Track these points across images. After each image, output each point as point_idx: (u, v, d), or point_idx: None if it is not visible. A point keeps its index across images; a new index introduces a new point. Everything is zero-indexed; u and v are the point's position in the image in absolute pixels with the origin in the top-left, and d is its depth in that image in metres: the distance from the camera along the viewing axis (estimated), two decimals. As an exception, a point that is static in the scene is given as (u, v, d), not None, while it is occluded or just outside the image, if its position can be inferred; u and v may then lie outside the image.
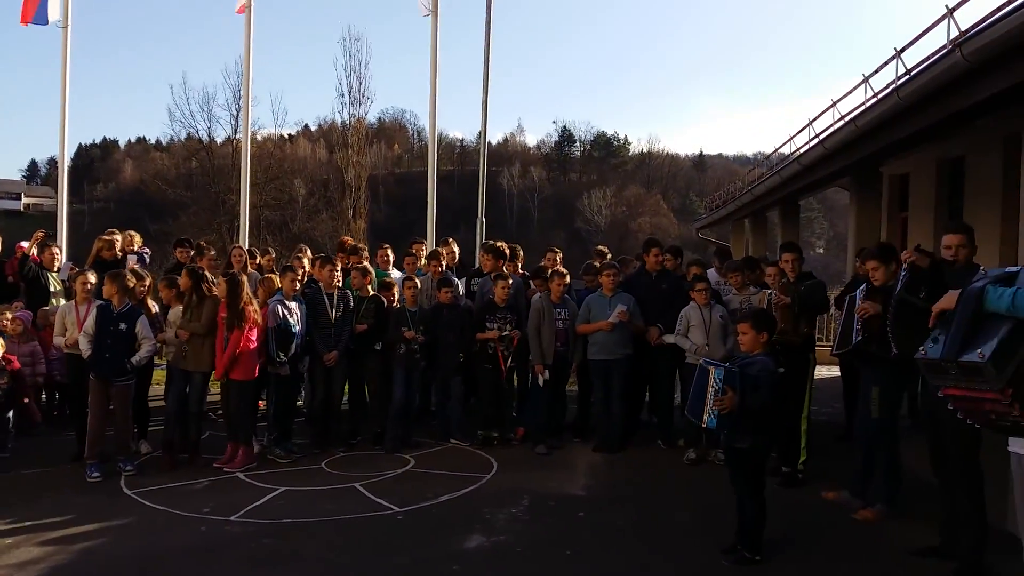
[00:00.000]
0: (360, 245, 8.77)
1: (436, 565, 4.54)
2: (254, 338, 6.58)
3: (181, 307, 6.80)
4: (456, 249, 9.15)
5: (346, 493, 5.98)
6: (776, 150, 15.48)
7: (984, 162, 10.07)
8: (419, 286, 7.70)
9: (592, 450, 7.31)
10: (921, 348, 2.70)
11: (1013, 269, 2.61)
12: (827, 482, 6.10)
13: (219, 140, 35.91)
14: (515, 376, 7.80)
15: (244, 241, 12.52)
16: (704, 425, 4.74)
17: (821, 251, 57.18)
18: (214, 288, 6.74)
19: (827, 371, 9.77)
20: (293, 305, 6.96)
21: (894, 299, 4.43)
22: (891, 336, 4.53)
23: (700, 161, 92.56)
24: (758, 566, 4.55)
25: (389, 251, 8.93)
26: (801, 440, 6.32)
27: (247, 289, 6.67)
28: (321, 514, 5.45)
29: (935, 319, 2.59)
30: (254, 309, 6.61)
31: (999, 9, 5.23)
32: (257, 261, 8.77)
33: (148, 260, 9.42)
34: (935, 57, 6.39)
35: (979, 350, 2.47)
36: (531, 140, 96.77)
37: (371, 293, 7.55)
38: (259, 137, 36.52)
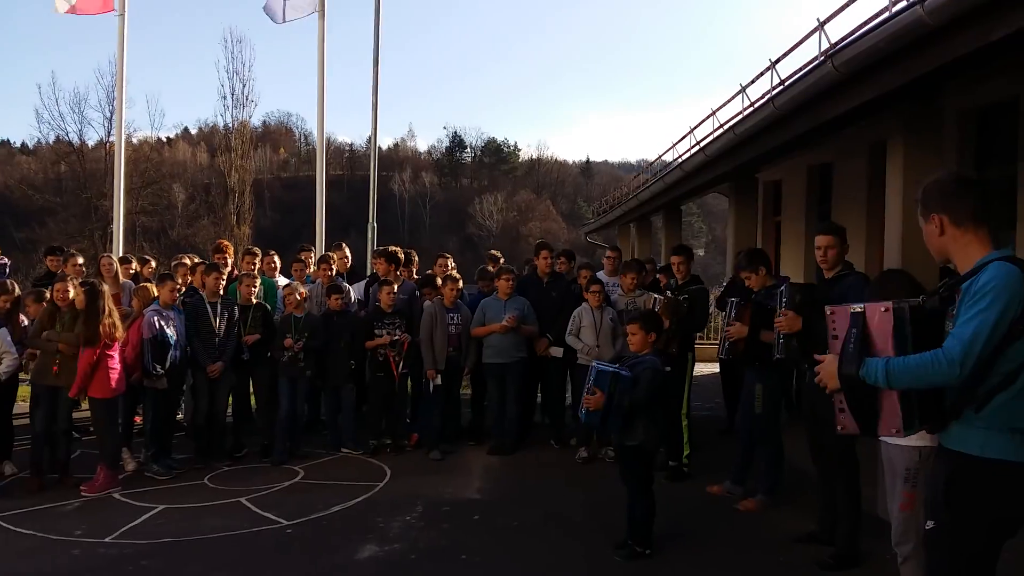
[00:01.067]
0: (223, 243, 8.39)
1: (328, 577, 4.42)
2: (114, 353, 6.20)
3: (46, 319, 6.34)
4: (348, 254, 8.99)
5: (231, 508, 5.74)
6: (659, 157, 16.00)
7: (851, 168, 10.71)
8: (304, 293, 7.50)
9: (487, 453, 7.32)
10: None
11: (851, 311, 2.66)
12: (712, 475, 6.34)
13: (91, 143, 34.07)
14: (408, 382, 7.72)
15: (118, 249, 11.84)
16: (579, 416, 4.94)
17: (702, 253, 59.37)
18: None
19: (707, 368, 10.16)
20: (171, 315, 6.64)
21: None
22: (778, 343, 4.78)
23: (587, 167, 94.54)
24: (648, 559, 4.67)
25: (275, 258, 8.65)
26: (683, 435, 6.53)
27: (108, 301, 6.26)
28: (205, 531, 5.21)
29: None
30: (112, 323, 6.16)
31: (867, 22, 5.55)
32: (132, 269, 8.31)
33: (8, 270, 8.80)
34: (808, 68, 6.72)
35: (892, 427, 2.58)
36: (422, 145, 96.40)
37: (256, 302, 7.29)
38: (134, 140, 34.80)
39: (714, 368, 9.41)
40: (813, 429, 4.83)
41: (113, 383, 6.19)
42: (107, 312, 6.13)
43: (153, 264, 8.89)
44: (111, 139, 28.71)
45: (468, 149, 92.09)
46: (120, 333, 6.24)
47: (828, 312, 2.71)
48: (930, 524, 2.55)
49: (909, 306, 2.56)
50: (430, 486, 6.27)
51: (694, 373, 6.86)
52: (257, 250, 8.52)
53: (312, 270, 8.54)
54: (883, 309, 2.53)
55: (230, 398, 7.25)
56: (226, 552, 4.83)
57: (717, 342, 5.91)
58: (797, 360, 5.08)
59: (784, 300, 4.74)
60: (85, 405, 7.13)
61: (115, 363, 6.19)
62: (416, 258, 8.55)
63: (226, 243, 8.39)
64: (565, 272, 8.07)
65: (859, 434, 2.68)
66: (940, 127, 5.71)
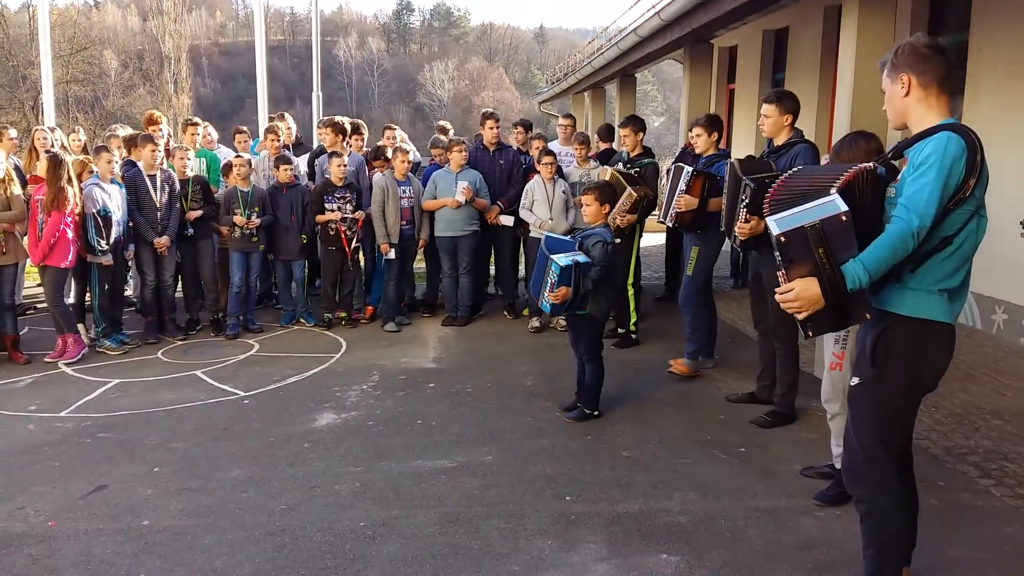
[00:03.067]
0: (154, 115, 8.02)
1: (287, 445, 4.54)
2: (71, 224, 6.06)
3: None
4: (293, 125, 8.70)
5: (187, 381, 5.79)
6: (614, 22, 15.56)
7: (806, 33, 10.58)
8: (252, 165, 7.29)
9: (441, 324, 7.43)
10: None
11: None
12: (657, 342, 6.57)
13: (13, 8, 31.68)
14: (361, 255, 7.68)
15: (50, 120, 11.27)
16: (539, 307, 4.97)
17: (658, 124, 58.93)
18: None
19: (652, 238, 10.29)
20: (112, 189, 6.42)
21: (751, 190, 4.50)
22: (724, 220, 4.73)
23: (541, 34, 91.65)
24: (596, 420, 4.88)
25: (211, 129, 8.32)
26: (630, 304, 6.69)
27: (70, 170, 6.10)
28: (161, 404, 5.27)
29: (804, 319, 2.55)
30: (75, 192, 6.07)
31: None
32: (54, 142, 7.83)
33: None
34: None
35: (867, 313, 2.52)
36: (368, 9, 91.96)
37: (192, 175, 7.05)
38: (59, 3, 32.48)
39: (659, 239, 9.55)
40: (756, 293, 4.98)
41: (70, 254, 6.11)
42: (69, 180, 6.05)
43: (82, 136, 8.46)
44: (34, 3, 26.75)
45: (416, 12, 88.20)
46: (78, 202, 6.09)
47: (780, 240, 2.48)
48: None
49: (868, 174, 2.50)
50: (386, 357, 6.38)
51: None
52: (198, 120, 8.21)
53: (261, 141, 8.26)
54: (843, 217, 2.41)
55: (178, 273, 7.16)
56: (184, 423, 4.91)
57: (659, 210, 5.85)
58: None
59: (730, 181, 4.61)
60: (34, 280, 7.01)
61: (71, 234, 6.07)
62: (365, 129, 8.32)
63: (158, 114, 8.01)
64: (523, 143, 7.95)
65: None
66: (896, -10, 5.64)
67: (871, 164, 2.59)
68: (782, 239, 2.44)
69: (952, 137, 2.44)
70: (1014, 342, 6.53)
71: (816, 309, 2.46)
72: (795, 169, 3.13)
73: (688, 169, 5.43)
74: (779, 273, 2.50)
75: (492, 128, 7.61)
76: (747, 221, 4.35)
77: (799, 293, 2.45)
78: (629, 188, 6.24)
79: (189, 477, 4.11)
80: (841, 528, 3.48)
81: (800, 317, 2.50)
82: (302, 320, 7.42)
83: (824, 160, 4.52)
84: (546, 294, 4.64)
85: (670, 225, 5.57)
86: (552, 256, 4.60)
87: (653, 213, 6.49)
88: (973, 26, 7.24)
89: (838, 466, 3.76)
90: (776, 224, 2.47)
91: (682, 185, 5.39)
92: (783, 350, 4.84)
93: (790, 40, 11.27)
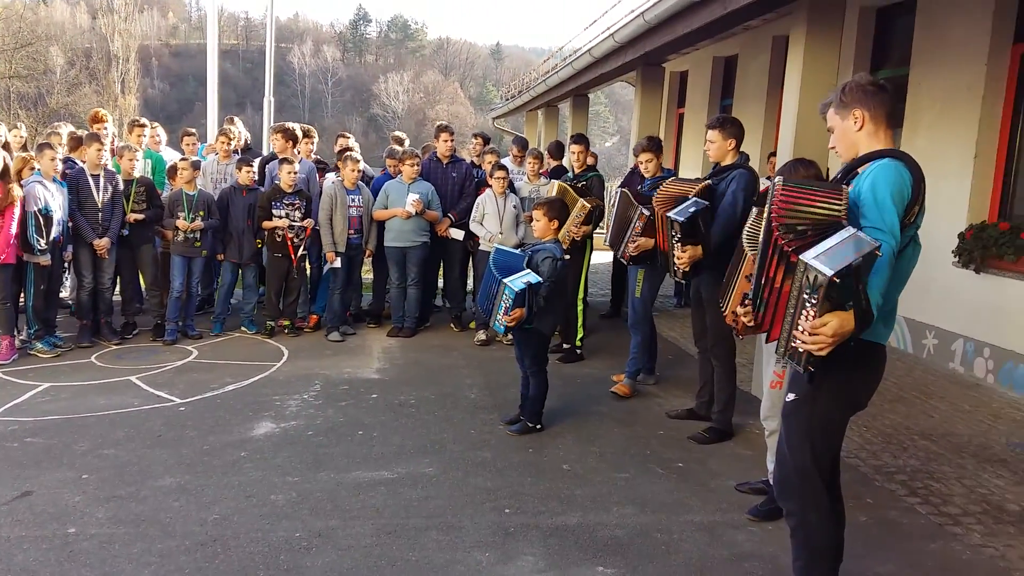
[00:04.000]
0: (99, 113, 7.84)
1: (222, 453, 4.45)
2: (11, 220, 5.88)
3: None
4: (243, 130, 8.58)
5: (121, 387, 5.64)
6: (569, 42, 15.75)
7: (754, 61, 10.87)
8: (199, 168, 7.17)
9: (387, 336, 7.38)
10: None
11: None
12: (602, 358, 6.64)
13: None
14: (307, 263, 7.59)
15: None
16: (491, 326, 4.96)
17: (609, 144, 59.72)
18: None
19: (599, 256, 10.40)
20: (53, 187, 6.24)
21: (678, 223, 4.54)
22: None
23: (497, 50, 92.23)
24: (539, 434, 4.90)
25: (159, 130, 8.17)
26: (578, 320, 6.75)
27: (11, 167, 5.93)
28: (94, 409, 5.12)
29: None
30: (14, 188, 5.89)
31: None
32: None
33: None
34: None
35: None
36: (324, 18, 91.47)
37: (139, 176, 6.91)
38: (4, -3, 31.54)
39: (605, 256, 9.66)
40: (697, 312, 5.07)
41: (10, 250, 5.94)
42: (12, 177, 5.95)
43: (24, 132, 8.22)
44: (-25, -7, 25.99)
45: (373, 23, 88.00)
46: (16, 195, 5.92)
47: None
48: (791, 396, 2.76)
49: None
50: (329, 366, 6.31)
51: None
52: (145, 121, 8.05)
53: (212, 144, 8.13)
54: (877, 252, 2.32)
55: (116, 276, 6.98)
56: (116, 430, 4.77)
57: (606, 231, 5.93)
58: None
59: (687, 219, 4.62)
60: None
61: (11, 230, 5.88)
62: (315, 135, 8.25)
63: (102, 113, 7.83)
64: (479, 155, 7.98)
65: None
66: (842, 23, 5.83)
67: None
68: (836, 280, 2.24)
69: (898, 165, 2.54)
70: (943, 366, 6.76)
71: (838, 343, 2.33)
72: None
73: (642, 210, 5.22)
74: (808, 310, 2.34)
75: (446, 141, 7.63)
76: (684, 251, 4.42)
77: (837, 329, 2.29)
78: (581, 200, 6.33)
79: (119, 484, 3.99)
80: (773, 542, 3.55)
81: (823, 353, 2.35)
82: (243, 328, 7.28)
83: (763, 185, 4.65)
84: (500, 316, 4.65)
85: (623, 261, 5.55)
86: (505, 281, 4.60)
87: (601, 226, 6.57)
88: (913, 62, 7.53)
89: (772, 482, 3.85)
90: (824, 264, 2.27)
91: (636, 221, 5.32)
92: (721, 368, 4.94)
93: (739, 67, 11.56)
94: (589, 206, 6.32)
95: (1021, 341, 6.03)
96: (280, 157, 7.29)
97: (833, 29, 5.75)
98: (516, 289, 4.52)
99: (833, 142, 2.81)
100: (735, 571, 3.31)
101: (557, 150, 8.37)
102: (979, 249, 6.45)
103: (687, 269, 4.50)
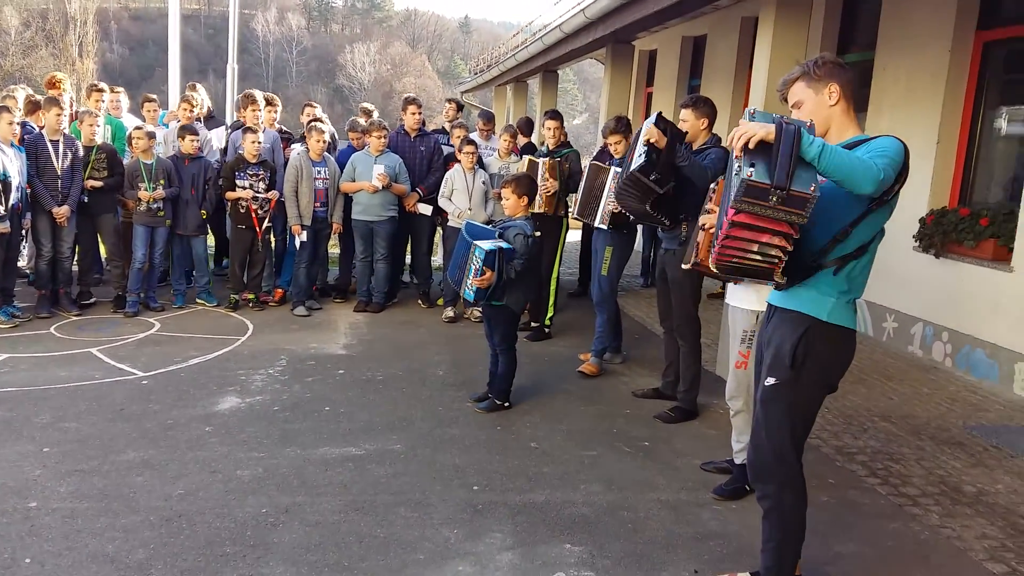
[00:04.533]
0: (55, 78, 7.61)
1: (187, 428, 4.39)
2: None
3: None
4: (205, 98, 8.38)
5: (82, 359, 5.52)
6: (539, 16, 15.64)
7: (723, 41, 10.88)
8: (155, 136, 6.99)
9: (353, 311, 7.32)
10: (742, 168, 2.40)
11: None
12: (569, 336, 6.66)
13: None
14: (272, 236, 7.48)
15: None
16: (462, 296, 4.97)
17: (578, 122, 59.65)
18: None
19: (573, 235, 10.43)
20: (11, 152, 6.04)
21: (624, 176, 4.58)
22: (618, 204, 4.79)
23: (466, 24, 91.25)
24: (506, 411, 4.91)
25: (122, 95, 7.95)
26: (550, 298, 6.77)
27: None
28: (53, 381, 5.01)
29: (741, 148, 2.49)
30: None
31: None
32: None
33: None
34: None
35: (812, 185, 2.39)
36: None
37: (100, 142, 6.73)
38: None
39: (574, 235, 9.69)
40: (662, 291, 5.09)
41: None
42: None
43: None
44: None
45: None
46: None
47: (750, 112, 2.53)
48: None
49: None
50: (294, 341, 6.24)
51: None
52: (104, 86, 7.81)
53: (173, 110, 7.94)
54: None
55: (75, 245, 6.81)
56: (77, 402, 4.68)
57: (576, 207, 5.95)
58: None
59: (638, 167, 4.63)
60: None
61: None
62: (279, 103, 8.08)
63: (59, 77, 7.59)
64: (451, 120, 7.90)
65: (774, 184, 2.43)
66: (810, 5, 5.87)
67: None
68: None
69: (896, 141, 2.60)
70: (902, 349, 6.91)
71: (760, 139, 2.37)
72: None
73: (615, 170, 5.43)
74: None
75: (414, 113, 7.53)
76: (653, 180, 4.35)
77: (753, 128, 2.38)
78: (541, 159, 6.48)
79: (81, 458, 3.92)
80: (737, 521, 3.61)
81: (740, 144, 2.39)
82: (201, 301, 7.16)
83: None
84: (469, 280, 4.63)
85: (602, 227, 5.58)
86: (476, 241, 4.60)
87: (572, 195, 6.61)
88: (879, 46, 7.60)
89: (737, 461, 3.91)
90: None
91: (610, 182, 5.41)
92: (687, 348, 4.98)
93: (708, 47, 11.58)
94: (551, 162, 6.47)
95: (978, 326, 6.19)
96: (244, 127, 7.14)
97: (801, 11, 5.79)
98: (486, 249, 4.52)
99: (803, 117, 2.71)
100: (700, 549, 3.37)
101: (527, 127, 8.32)
102: (939, 234, 6.57)
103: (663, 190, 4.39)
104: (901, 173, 2.56)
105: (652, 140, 4.32)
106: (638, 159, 4.32)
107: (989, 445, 4.75)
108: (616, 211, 5.41)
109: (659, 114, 4.45)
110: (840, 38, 8.46)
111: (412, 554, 3.20)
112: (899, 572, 3.28)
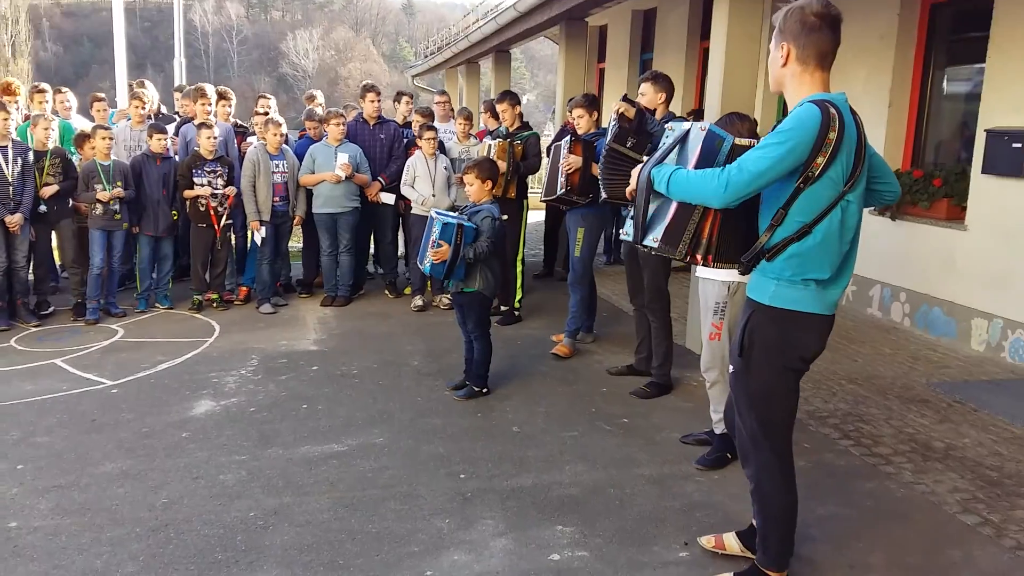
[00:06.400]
0: (10, 83, 7.37)
1: (163, 435, 4.32)
2: None
3: None
4: (155, 94, 8.18)
5: (47, 371, 5.39)
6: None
7: (672, 13, 10.93)
8: (113, 136, 6.81)
9: (320, 305, 7.25)
10: (623, 231, 2.82)
11: (683, 129, 2.70)
12: (539, 318, 6.69)
13: None
14: (232, 233, 7.35)
15: None
16: (420, 268, 5.01)
17: (527, 101, 59.43)
18: None
19: (536, 216, 10.45)
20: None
21: (604, 149, 4.70)
22: (601, 183, 4.85)
23: (409, 5, 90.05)
24: (486, 397, 4.93)
25: (69, 95, 7.71)
26: (517, 280, 6.78)
27: None
28: (19, 396, 4.89)
29: (630, 196, 2.71)
30: None
31: None
32: None
33: None
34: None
35: (652, 234, 2.63)
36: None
37: (52, 146, 6.55)
38: None
39: (538, 216, 9.71)
40: (631, 269, 5.14)
41: None
42: None
43: None
44: None
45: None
46: None
47: (668, 127, 2.79)
48: (731, 368, 2.82)
49: (733, 141, 2.60)
50: (264, 340, 6.17)
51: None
52: (46, 87, 7.55)
53: (123, 109, 7.72)
54: (700, 128, 2.62)
55: (31, 253, 6.62)
56: (47, 416, 4.57)
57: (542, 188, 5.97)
58: (571, 194, 5.41)
59: (611, 136, 4.72)
60: None
61: None
62: (232, 96, 7.93)
63: (16, 83, 7.34)
64: (408, 113, 7.82)
65: (634, 242, 2.75)
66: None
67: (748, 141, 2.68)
68: (669, 127, 2.80)
69: (811, 111, 2.40)
70: (862, 311, 7.09)
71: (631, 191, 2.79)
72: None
73: (567, 138, 5.54)
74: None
75: (373, 101, 7.44)
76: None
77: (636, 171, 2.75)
78: (493, 141, 6.60)
79: (58, 473, 3.84)
80: (721, 491, 3.69)
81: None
82: (158, 304, 7.02)
83: None
84: (428, 254, 4.68)
85: (561, 193, 5.58)
86: (436, 216, 4.67)
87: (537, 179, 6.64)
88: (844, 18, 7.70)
89: (717, 431, 3.99)
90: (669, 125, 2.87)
91: (564, 150, 5.48)
92: (657, 323, 5.03)
93: (658, 20, 11.62)
94: (502, 144, 6.52)
95: (935, 285, 6.37)
96: (198, 122, 6.99)
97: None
98: (444, 221, 4.57)
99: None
100: (688, 520, 3.44)
101: (494, 111, 8.27)
102: (894, 197, 6.73)
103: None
104: (817, 148, 2.39)
105: (621, 111, 4.48)
106: (612, 132, 4.53)
107: (952, 401, 4.91)
108: (569, 172, 5.45)
109: (625, 95, 4.63)
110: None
111: (406, 547, 3.21)
112: (881, 530, 3.39)
